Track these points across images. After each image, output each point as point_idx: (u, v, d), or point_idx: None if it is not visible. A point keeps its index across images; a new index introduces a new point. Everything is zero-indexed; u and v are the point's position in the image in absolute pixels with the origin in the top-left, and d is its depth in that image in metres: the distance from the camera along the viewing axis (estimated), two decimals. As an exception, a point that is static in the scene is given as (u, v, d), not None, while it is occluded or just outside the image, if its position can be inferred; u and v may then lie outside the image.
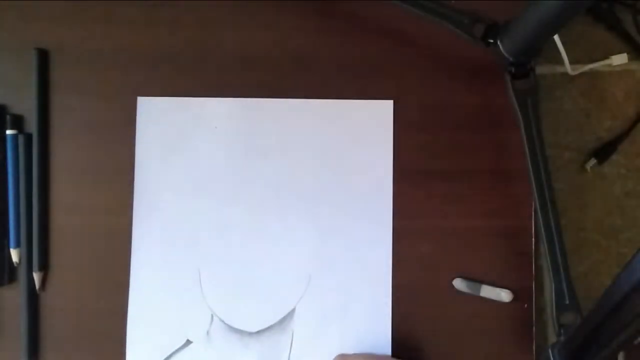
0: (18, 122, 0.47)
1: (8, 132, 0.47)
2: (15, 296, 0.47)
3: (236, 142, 0.48)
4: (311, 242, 0.47)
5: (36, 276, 0.46)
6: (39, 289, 0.47)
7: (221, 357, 0.46)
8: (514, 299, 0.46)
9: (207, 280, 0.47)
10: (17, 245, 0.47)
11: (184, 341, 0.47)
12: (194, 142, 0.48)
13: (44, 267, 0.47)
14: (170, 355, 0.46)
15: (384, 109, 0.48)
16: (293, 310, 0.47)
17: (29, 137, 0.47)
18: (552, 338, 0.47)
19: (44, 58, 0.47)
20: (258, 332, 0.47)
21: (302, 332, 0.47)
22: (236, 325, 0.47)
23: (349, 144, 0.48)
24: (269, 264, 0.47)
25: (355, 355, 0.45)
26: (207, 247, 0.47)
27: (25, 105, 0.47)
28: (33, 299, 0.47)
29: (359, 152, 0.48)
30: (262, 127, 0.48)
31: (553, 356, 0.36)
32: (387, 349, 0.46)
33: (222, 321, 0.47)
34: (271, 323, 0.47)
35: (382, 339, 0.46)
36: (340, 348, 0.46)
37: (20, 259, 0.47)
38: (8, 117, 0.47)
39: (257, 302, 0.47)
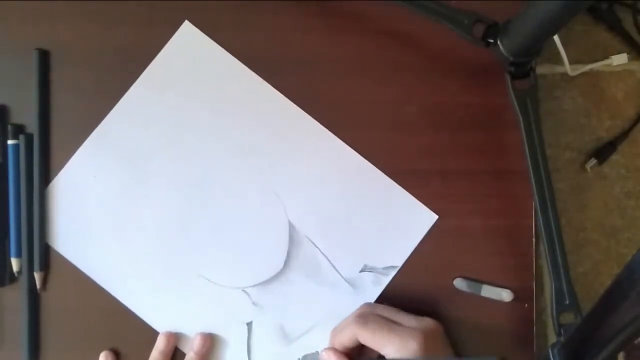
0: (19, 130, 0.47)
1: (9, 141, 0.47)
2: (16, 296, 0.47)
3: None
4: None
5: (37, 276, 0.47)
6: (40, 288, 0.47)
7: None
8: (515, 299, 0.46)
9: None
10: (18, 255, 0.47)
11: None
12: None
13: (45, 266, 0.47)
14: None
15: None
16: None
17: (29, 137, 0.47)
18: (552, 338, 0.47)
19: (44, 58, 0.47)
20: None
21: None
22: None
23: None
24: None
25: (383, 306, 0.45)
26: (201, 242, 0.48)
27: (26, 105, 0.47)
28: (34, 298, 0.47)
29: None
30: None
31: (553, 356, 0.36)
32: None
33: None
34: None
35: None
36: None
37: (20, 268, 0.47)
38: (9, 127, 0.47)
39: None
